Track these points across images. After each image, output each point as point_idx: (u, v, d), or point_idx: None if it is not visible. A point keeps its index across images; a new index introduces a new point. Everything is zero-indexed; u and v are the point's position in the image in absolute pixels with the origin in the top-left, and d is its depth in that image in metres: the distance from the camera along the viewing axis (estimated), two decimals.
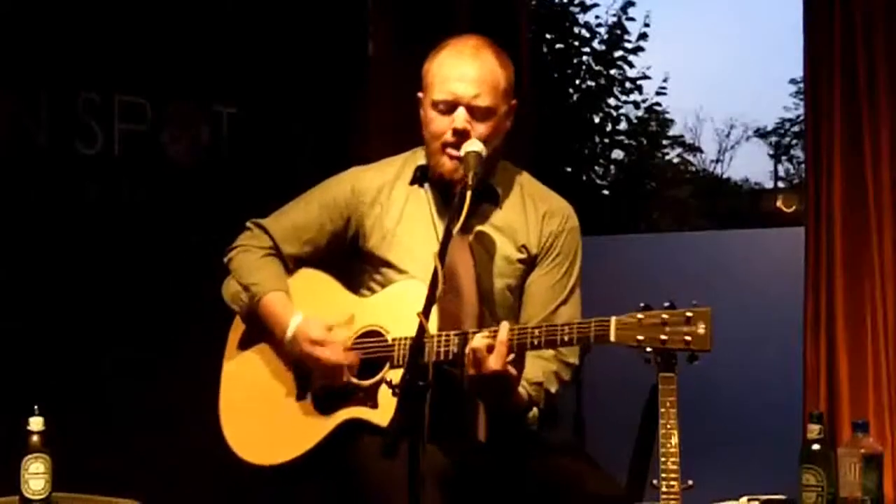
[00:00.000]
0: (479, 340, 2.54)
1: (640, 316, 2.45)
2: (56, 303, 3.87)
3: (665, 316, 2.43)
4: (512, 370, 2.56)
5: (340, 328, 2.75)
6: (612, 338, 2.46)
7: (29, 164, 3.88)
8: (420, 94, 2.83)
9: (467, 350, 2.55)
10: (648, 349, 2.43)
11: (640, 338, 2.43)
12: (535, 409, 2.75)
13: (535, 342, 2.55)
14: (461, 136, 2.71)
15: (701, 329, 2.40)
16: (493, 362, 2.52)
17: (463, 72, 2.74)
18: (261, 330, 2.86)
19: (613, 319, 2.47)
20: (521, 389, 2.67)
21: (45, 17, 3.87)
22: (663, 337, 2.42)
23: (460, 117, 2.72)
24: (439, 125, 2.74)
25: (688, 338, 2.41)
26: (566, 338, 2.52)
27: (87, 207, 3.98)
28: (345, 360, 2.71)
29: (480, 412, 2.67)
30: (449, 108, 2.73)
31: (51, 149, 3.93)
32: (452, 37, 2.85)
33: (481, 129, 2.73)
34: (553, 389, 2.76)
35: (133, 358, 3.95)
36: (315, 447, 2.73)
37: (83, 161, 4.00)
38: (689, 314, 2.42)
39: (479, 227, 2.79)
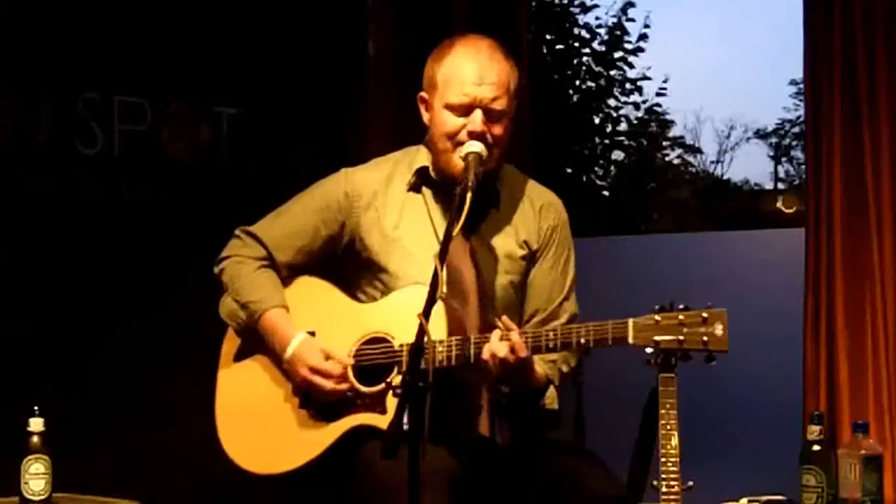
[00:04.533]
0: (501, 347, 2.56)
1: (657, 318, 2.46)
2: (56, 303, 3.87)
3: (682, 317, 2.45)
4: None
5: (338, 357, 2.72)
6: (631, 339, 2.47)
7: (29, 164, 3.88)
8: (423, 94, 2.81)
9: (487, 356, 2.57)
10: (663, 350, 2.43)
11: (658, 339, 2.44)
12: (552, 389, 2.79)
13: (551, 345, 2.58)
14: (477, 138, 2.69)
15: (718, 330, 2.43)
16: (521, 352, 2.56)
17: (482, 74, 2.71)
18: (259, 344, 2.84)
19: (631, 321, 2.48)
20: (537, 367, 2.71)
21: (45, 18, 3.87)
22: (681, 338, 2.44)
23: (477, 120, 2.69)
24: (453, 125, 2.71)
25: (705, 338, 2.43)
26: (582, 340, 2.54)
27: (87, 207, 3.98)
28: (341, 389, 2.70)
29: (484, 408, 2.68)
30: (465, 110, 2.71)
31: (51, 149, 3.93)
32: (456, 37, 2.82)
33: (496, 130, 2.72)
34: (565, 370, 2.80)
35: (133, 358, 3.95)
36: (322, 454, 2.72)
37: (83, 161, 4.00)
38: (705, 315, 2.44)
39: (480, 229, 2.78)
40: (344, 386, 2.70)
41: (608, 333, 2.51)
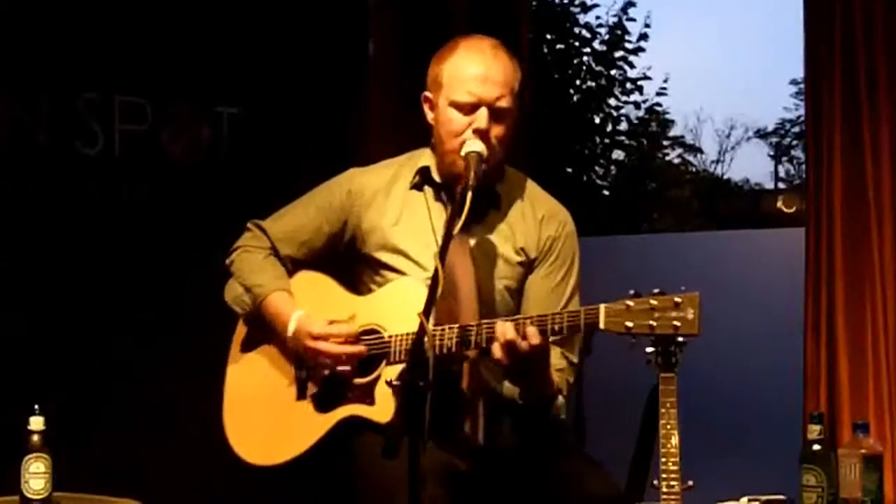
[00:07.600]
0: (510, 330, 2.53)
1: (629, 303, 2.45)
2: (56, 303, 3.87)
3: (654, 302, 2.43)
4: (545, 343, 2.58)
5: (341, 323, 2.75)
6: (602, 325, 2.47)
7: (29, 164, 3.88)
8: (427, 94, 2.82)
9: (498, 343, 2.53)
10: (636, 336, 2.43)
11: (629, 324, 2.44)
12: (560, 398, 2.78)
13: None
14: (482, 136, 2.70)
15: (689, 314, 2.41)
16: (533, 338, 2.52)
17: (486, 73, 2.73)
18: (264, 330, 2.87)
19: (602, 307, 2.48)
20: (553, 375, 2.70)
21: (45, 18, 3.87)
22: (652, 323, 2.43)
23: (483, 118, 2.70)
24: (458, 124, 2.72)
25: (676, 323, 2.41)
26: (556, 326, 2.54)
27: (87, 207, 3.98)
28: (346, 350, 2.70)
29: (479, 414, 2.68)
30: (470, 108, 2.72)
31: (51, 149, 3.93)
32: (460, 37, 2.83)
33: (499, 130, 2.73)
34: (571, 380, 2.81)
35: (133, 357, 3.95)
36: (313, 446, 2.74)
37: (83, 161, 4.00)
38: (677, 300, 2.42)
39: (478, 230, 2.79)
40: (348, 348, 2.69)
41: (580, 319, 2.51)
